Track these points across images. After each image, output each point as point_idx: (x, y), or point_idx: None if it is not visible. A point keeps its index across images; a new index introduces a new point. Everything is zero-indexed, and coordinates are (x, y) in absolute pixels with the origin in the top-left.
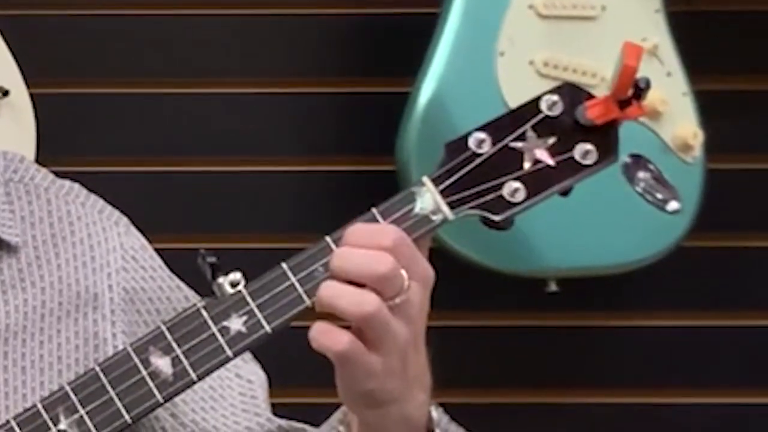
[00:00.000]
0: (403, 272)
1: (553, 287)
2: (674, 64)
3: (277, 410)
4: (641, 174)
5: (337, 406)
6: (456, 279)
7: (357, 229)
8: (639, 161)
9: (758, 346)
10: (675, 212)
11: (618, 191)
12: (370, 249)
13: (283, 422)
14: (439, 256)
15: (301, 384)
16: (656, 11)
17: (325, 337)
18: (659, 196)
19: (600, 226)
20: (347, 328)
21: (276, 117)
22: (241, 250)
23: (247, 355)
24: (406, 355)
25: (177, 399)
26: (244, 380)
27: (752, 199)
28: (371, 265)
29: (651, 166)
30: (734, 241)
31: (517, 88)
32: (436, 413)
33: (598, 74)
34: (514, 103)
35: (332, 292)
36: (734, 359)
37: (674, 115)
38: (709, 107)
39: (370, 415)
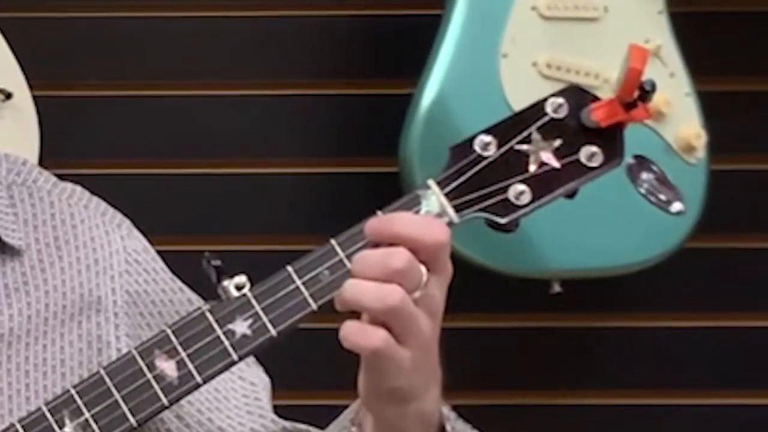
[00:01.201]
0: (422, 267)
1: (556, 288)
2: (677, 64)
3: (280, 412)
4: (644, 175)
5: (339, 407)
6: (459, 280)
7: (396, 220)
8: (642, 162)
9: (762, 348)
10: (678, 213)
11: (621, 192)
12: (406, 244)
13: (288, 424)
14: None
15: (303, 387)
16: (659, 12)
17: (359, 335)
18: (662, 197)
19: (603, 228)
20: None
21: (280, 119)
22: (243, 252)
23: (251, 359)
24: (430, 349)
25: (182, 401)
26: (247, 383)
27: (756, 200)
28: (385, 261)
29: (654, 168)
30: (738, 242)
31: (520, 89)
32: (445, 409)
33: (601, 75)
34: (517, 104)
35: (355, 289)
36: (739, 361)
37: (677, 116)
38: (712, 108)
39: (390, 413)
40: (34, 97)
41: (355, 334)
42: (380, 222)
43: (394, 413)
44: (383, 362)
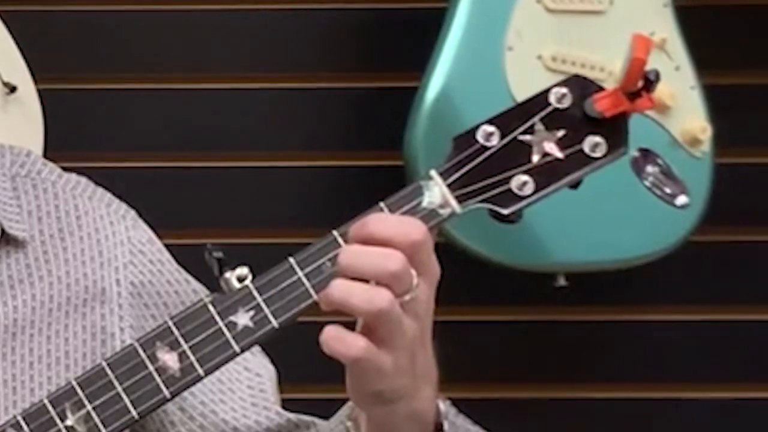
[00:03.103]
0: (412, 270)
1: (561, 282)
2: (682, 58)
3: (286, 404)
4: (650, 168)
5: (344, 400)
6: (464, 273)
7: (371, 221)
8: (647, 155)
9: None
10: (683, 207)
11: (626, 186)
12: (380, 244)
13: (293, 415)
14: (447, 250)
15: (308, 378)
16: (664, 5)
17: (339, 343)
18: (668, 190)
19: (608, 221)
20: (351, 324)
21: (284, 112)
22: (247, 244)
23: (256, 349)
24: (414, 351)
25: (186, 392)
26: (252, 374)
27: (761, 194)
28: (382, 263)
29: (659, 161)
30: (743, 236)
31: (525, 82)
32: (443, 406)
33: (606, 68)
34: (522, 97)
35: (343, 290)
36: (744, 354)
37: (683, 109)
38: (717, 101)
39: (379, 412)
40: (39, 91)
41: (334, 341)
42: (357, 225)
43: (383, 412)
44: (363, 368)
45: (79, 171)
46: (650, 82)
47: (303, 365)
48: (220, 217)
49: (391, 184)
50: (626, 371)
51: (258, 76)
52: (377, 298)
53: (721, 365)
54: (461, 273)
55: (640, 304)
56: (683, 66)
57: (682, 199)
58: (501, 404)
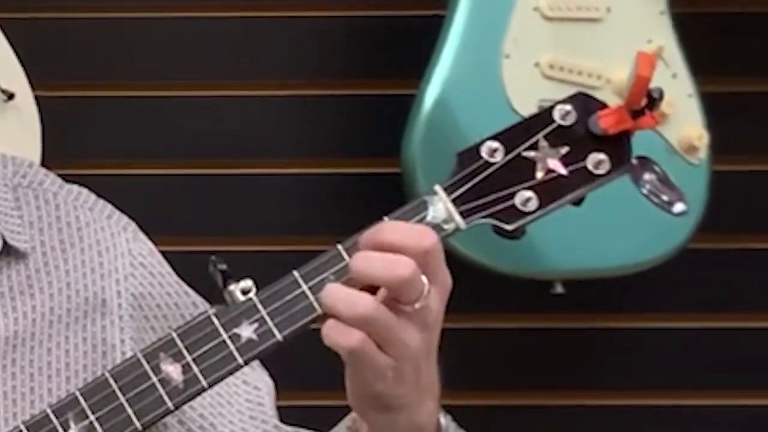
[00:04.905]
0: (424, 278)
1: (558, 289)
2: (679, 65)
3: (284, 413)
4: (647, 176)
5: (345, 409)
6: (461, 281)
7: (384, 228)
8: (645, 163)
9: (764, 349)
10: (681, 214)
11: (624, 193)
12: (392, 251)
13: (290, 429)
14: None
15: (308, 387)
16: (661, 13)
17: (338, 333)
18: (665, 197)
19: (606, 228)
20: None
21: (282, 119)
22: (247, 252)
23: (255, 362)
24: (419, 361)
25: (185, 405)
26: (251, 387)
27: (758, 201)
28: (393, 268)
29: (657, 168)
30: (740, 243)
31: (522, 90)
32: (444, 420)
33: (604, 76)
34: (519, 105)
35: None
36: (740, 362)
37: (680, 116)
38: (714, 109)
39: (379, 421)
40: (36, 98)
41: (333, 329)
42: (369, 232)
43: (384, 421)
44: (361, 364)
45: (77, 178)
46: (654, 100)
47: (302, 372)
48: (219, 225)
49: (389, 191)
50: (623, 379)
51: (256, 84)
52: (359, 303)
53: (718, 373)
54: (458, 280)
55: (637, 312)
56: (680, 73)
57: (679, 207)
58: (497, 411)
